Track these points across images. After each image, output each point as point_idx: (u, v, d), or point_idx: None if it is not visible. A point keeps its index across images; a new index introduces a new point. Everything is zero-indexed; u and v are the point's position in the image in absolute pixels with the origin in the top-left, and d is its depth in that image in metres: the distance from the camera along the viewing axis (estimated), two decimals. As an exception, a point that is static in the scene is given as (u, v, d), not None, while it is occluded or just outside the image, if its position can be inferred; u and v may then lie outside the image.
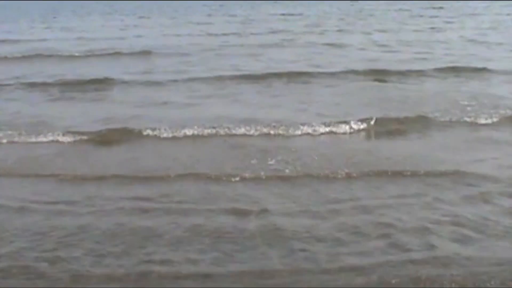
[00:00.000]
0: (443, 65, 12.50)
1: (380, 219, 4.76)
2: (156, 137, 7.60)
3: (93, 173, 6.18)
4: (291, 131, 7.62)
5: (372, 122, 7.82)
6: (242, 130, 7.70)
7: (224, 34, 21.81)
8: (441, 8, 35.08)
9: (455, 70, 12.01)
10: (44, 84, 11.86)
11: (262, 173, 5.95)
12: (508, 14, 28.36)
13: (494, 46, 16.03)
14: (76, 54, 16.55)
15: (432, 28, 22.43)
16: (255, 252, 4.26)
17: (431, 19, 27.13)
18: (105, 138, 7.61)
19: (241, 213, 4.96)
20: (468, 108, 8.60)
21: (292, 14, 34.68)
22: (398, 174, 5.85)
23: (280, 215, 4.91)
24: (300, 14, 34.28)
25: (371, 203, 5.12)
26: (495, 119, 7.99)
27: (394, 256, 4.13)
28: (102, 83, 11.77)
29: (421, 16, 29.54)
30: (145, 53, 16.47)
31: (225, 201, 5.26)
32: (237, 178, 5.84)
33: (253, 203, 5.19)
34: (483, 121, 7.94)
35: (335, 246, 4.32)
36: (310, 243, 4.37)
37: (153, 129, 7.74)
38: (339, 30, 22.44)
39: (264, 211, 4.99)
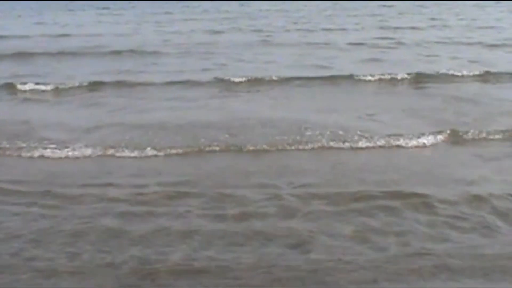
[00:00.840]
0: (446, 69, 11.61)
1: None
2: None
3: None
4: (283, 147, 6.70)
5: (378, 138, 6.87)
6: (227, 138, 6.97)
7: (215, 32, 21.07)
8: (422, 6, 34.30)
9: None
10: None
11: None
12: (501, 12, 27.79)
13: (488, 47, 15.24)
14: (53, 52, 15.66)
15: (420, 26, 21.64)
16: None
17: (417, 17, 26.40)
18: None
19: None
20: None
21: (287, 11, 33.97)
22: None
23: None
24: (287, 11, 33.54)
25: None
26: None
27: None
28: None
29: (407, 13, 28.89)
30: (121, 52, 15.50)
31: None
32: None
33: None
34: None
35: None
36: None
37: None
38: (329, 29, 21.44)
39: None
